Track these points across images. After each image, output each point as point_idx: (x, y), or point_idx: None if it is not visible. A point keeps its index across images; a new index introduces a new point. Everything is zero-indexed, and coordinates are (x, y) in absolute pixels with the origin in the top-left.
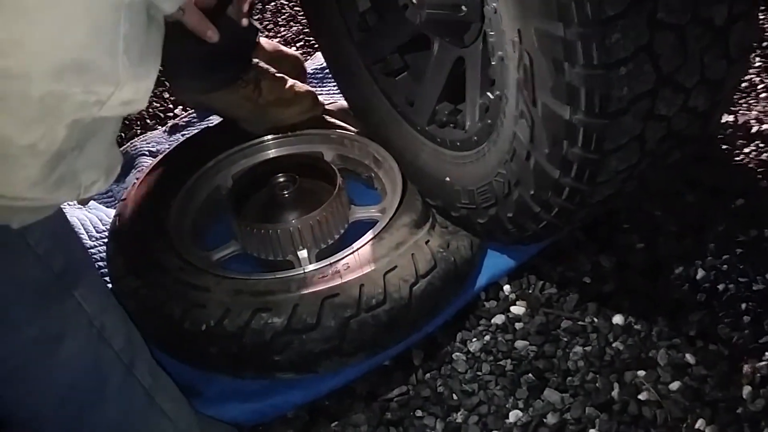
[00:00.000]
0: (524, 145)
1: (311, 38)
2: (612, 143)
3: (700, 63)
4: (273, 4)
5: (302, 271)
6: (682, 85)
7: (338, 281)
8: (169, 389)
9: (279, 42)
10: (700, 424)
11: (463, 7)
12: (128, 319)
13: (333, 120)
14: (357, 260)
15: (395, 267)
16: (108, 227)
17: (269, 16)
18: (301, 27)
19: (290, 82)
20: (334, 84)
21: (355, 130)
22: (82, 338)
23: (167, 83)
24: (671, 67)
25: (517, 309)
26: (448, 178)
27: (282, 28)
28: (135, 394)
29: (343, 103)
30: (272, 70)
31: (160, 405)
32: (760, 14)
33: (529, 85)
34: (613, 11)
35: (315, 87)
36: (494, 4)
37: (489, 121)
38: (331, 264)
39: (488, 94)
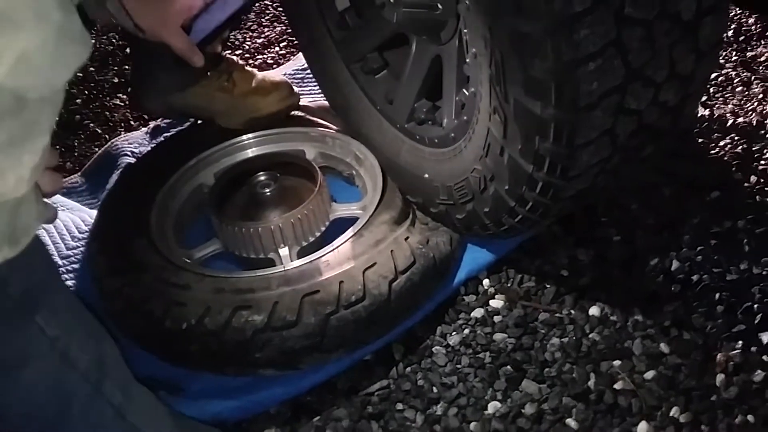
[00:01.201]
0: (498, 140)
1: (295, 38)
2: (583, 138)
3: (669, 57)
4: (257, 5)
5: (282, 269)
6: (652, 79)
7: (318, 278)
8: (143, 403)
9: (263, 42)
10: (674, 411)
11: (439, 5)
12: (100, 335)
13: (314, 118)
14: (337, 257)
15: (374, 264)
16: (90, 227)
17: (253, 16)
18: (284, 27)
19: (262, 73)
20: (315, 84)
21: (336, 128)
22: (44, 363)
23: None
24: (640, 61)
25: (496, 302)
26: (427, 175)
27: (266, 29)
28: (103, 413)
29: (324, 102)
30: (242, 62)
31: (131, 421)
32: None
33: (500, 81)
34: (580, 7)
35: (296, 86)
36: (467, 2)
37: (465, 118)
38: (311, 261)
39: (464, 91)
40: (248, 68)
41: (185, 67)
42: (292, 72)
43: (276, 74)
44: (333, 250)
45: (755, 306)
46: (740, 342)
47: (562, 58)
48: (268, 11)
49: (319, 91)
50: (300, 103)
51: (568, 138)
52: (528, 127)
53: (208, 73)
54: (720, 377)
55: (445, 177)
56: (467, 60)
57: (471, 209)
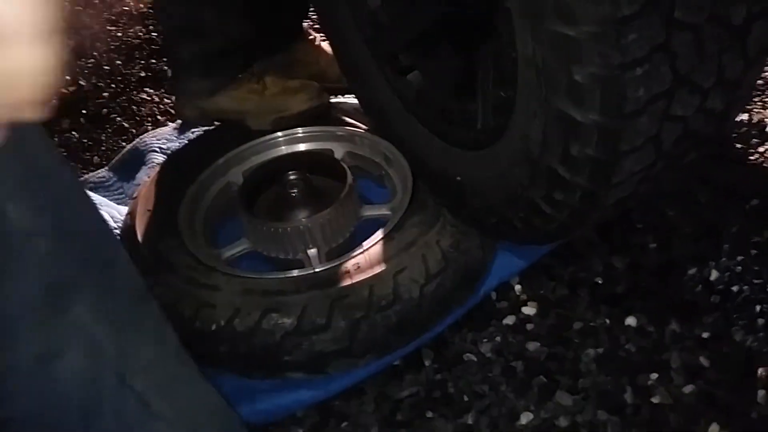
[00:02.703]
0: (536, 145)
1: (322, 34)
2: (627, 145)
3: (718, 63)
4: None
5: (312, 271)
6: (700, 85)
7: (348, 282)
8: (168, 390)
9: None
10: (713, 428)
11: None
12: (122, 326)
13: (343, 117)
14: (367, 260)
15: (405, 267)
16: (119, 225)
17: None
18: (311, 23)
19: (292, 80)
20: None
21: (366, 127)
22: (81, 352)
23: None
24: (688, 67)
25: (529, 310)
26: (459, 177)
27: None
28: (128, 402)
29: (354, 101)
30: (275, 65)
31: (155, 409)
32: None
33: (541, 85)
34: (629, 10)
35: None
36: (507, 3)
37: (501, 121)
38: (341, 264)
39: (501, 93)
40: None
41: (216, 72)
42: None
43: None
44: (363, 252)
45: None
46: None
47: (608, 62)
48: None
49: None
50: (332, 101)
51: (612, 145)
52: (569, 133)
53: (239, 76)
54: (761, 393)
55: (478, 180)
56: (505, 61)
57: (504, 214)
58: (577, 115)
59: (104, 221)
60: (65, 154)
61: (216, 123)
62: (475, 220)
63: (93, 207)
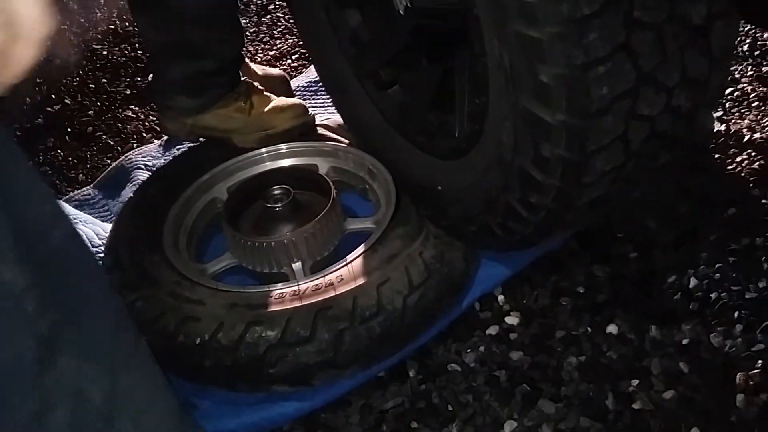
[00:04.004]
0: (509, 148)
1: (307, 53)
2: (595, 144)
3: (681, 62)
4: (269, 17)
5: (296, 284)
6: (664, 84)
7: (332, 293)
8: (164, 429)
9: (275, 54)
10: None
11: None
12: (116, 364)
13: (327, 133)
14: (351, 272)
15: (388, 279)
16: (104, 242)
17: (265, 29)
18: (296, 39)
19: (278, 98)
20: (329, 97)
21: (348, 142)
22: (68, 406)
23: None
24: (651, 66)
25: (512, 319)
26: (439, 187)
27: (278, 41)
28: None
29: (338, 118)
30: (261, 87)
31: None
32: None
33: (510, 88)
34: (588, 10)
35: (309, 99)
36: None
37: (476, 128)
38: (324, 276)
39: (475, 100)
40: (266, 93)
41: (205, 92)
42: (306, 84)
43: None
44: (346, 265)
45: None
46: (760, 361)
47: (571, 62)
48: (279, 24)
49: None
50: (318, 122)
51: (580, 144)
52: (538, 134)
53: (226, 95)
54: (740, 397)
55: (457, 188)
56: (477, 69)
57: (483, 220)
58: (545, 116)
59: (92, 258)
60: (50, 171)
61: (201, 139)
62: (456, 229)
63: (84, 249)
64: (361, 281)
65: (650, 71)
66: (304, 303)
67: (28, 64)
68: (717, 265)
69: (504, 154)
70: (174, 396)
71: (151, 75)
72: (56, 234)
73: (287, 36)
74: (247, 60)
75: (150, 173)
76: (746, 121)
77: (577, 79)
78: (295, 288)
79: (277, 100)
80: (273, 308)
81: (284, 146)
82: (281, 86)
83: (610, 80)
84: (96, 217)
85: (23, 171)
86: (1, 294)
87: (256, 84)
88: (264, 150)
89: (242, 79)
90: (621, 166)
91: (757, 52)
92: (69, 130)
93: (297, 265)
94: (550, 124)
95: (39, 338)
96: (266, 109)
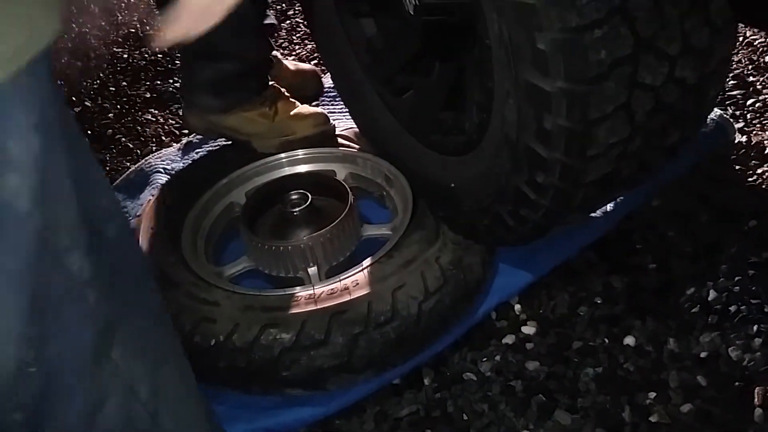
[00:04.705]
0: (513, 126)
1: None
2: (597, 111)
3: (681, 29)
4: (288, 22)
5: (311, 288)
6: (665, 52)
7: (347, 297)
8: (196, 427)
9: (294, 59)
10: None
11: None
12: (161, 358)
13: (345, 141)
14: (366, 277)
15: (404, 284)
16: None
17: (284, 34)
18: (315, 45)
19: (303, 106)
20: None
21: (365, 149)
22: (119, 399)
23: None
24: (649, 31)
25: (528, 329)
26: (453, 184)
27: (297, 46)
28: None
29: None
30: (286, 93)
31: None
32: None
33: (510, 62)
34: None
35: (328, 105)
36: None
37: (485, 116)
38: (340, 280)
39: (484, 88)
40: (291, 99)
41: (230, 93)
42: (325, 89)
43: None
44: (362, 270)
45: None
46: None
47: (566, 26)
48: (299, 29)
49: None
50: (337, 132)
51: (582, 112)
52: (539, 105)
53: (253, 98)
54: (758, 412)
55: (469, 182)
56: (483, 53)
57: (495, 211)
58: (545, 86)
59: (141, 254)
60: None
61: (220, 139)
62: (470, 226)
63: (136, 245)
64: (376, 286)
65: (649, 37)
66: (319, 306)
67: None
68: (736, 278)
69: (509, 133)
70: (204, 395)
71: (180, 73)
72: (112, 227)
73: (306, 41)
74: (279, 55)
75: (169, 177)
76: (767, 133)
77: (573, 43)
78: (311, 291)
79: (301, 108)
80: (288, 311)
81: (303, 152)
82: (312, 81)
83: (607, 44)
84: None
85: (87, 162)
86: (68, 283)
87: (282, 90)
88: (283, 155)
89: (270, 83)
90: (627, 139)
91: None
92: (89, 132)
93: (313, 270)
94: (549, 93)
95: (97, 329)
96: (289, 116)
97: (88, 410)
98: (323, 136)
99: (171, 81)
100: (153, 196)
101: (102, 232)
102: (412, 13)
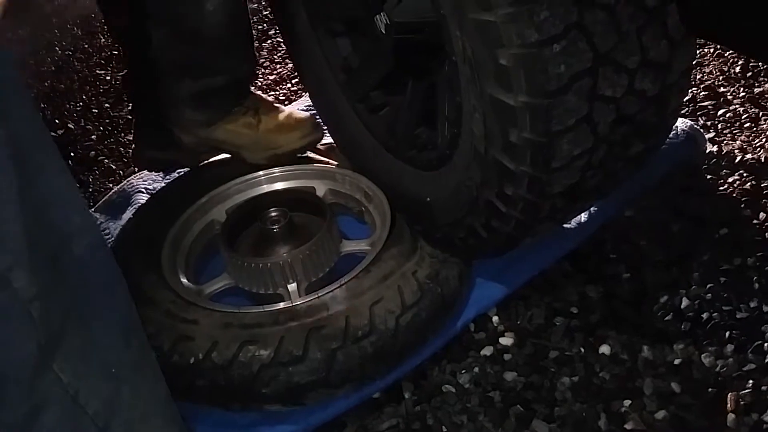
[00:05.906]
0: (481, 140)
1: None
2: (559, 124)
3: (639, 43)
4: (269, 42)
5: (289, 304)
6: (623, 65)
7: (325, 313)
8: None
9: (275, 79)
10: None
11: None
12: (116, 373)
13: (322, 158)
14: (344, 292)
15: (381, 298)
16: None
17: (266, 53)
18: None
19: (288, 110)
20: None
21: (342, 165)
22: (58, 410)
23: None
24: (608, 45)
25: (506, 340)
26: (428, 199)
27: (278, 66)
28: None
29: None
30: (269, 99)
31: None
32: None
33: (475, 78)
34: None
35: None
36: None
37: (455, 131)
38: (318, 296)
39: (453, 103)
40: (275, 104)
41: (210, 107)
42: (304, 108)
43: (301, 111)
44: (340, 285)
45: (766, 344)
46: (751, 381)
47: (526, 41)
48: (280, 48)
49: None
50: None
51: (544, 125)
52: (504, 119)
53: (234, 110)
54: (731, 417)
55: (443, 196)
56: (449, 69)
57: (468, 223)
58: (508, 100)
59: (114, 273)
60: None
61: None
62: (446, 239)
63: (108, 263)
64: (354, 301)
65: (607, 51)
66: (297, 322)
67: None
68: (708, 285)
69: (478, 147)
70: (179, 414)
71: (158, 94)
72: (80, 243)
73: (287, 61)
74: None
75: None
76: (738, 142)
77: (533, 58)
78: (289, 307)
79: (286, 116)
80: (266, 328)
81: (280, 169)
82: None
83: (566, 58)
84: None
85: (60, 179)
86: (10, 298)
87: (264, 96)
88: (261, 173)
89: (250, 92)
90: (591, 150)
91: (749, 74)
92: (72, 154)
93: (293, 286)
94: (513, 107)
95: (38, 344)
96: (273, 127)
97: (24, 419)
98: (311, 147)
99: (159, 97)
100: (133, 214)
101: (67, 249)
102: (383, 32)
